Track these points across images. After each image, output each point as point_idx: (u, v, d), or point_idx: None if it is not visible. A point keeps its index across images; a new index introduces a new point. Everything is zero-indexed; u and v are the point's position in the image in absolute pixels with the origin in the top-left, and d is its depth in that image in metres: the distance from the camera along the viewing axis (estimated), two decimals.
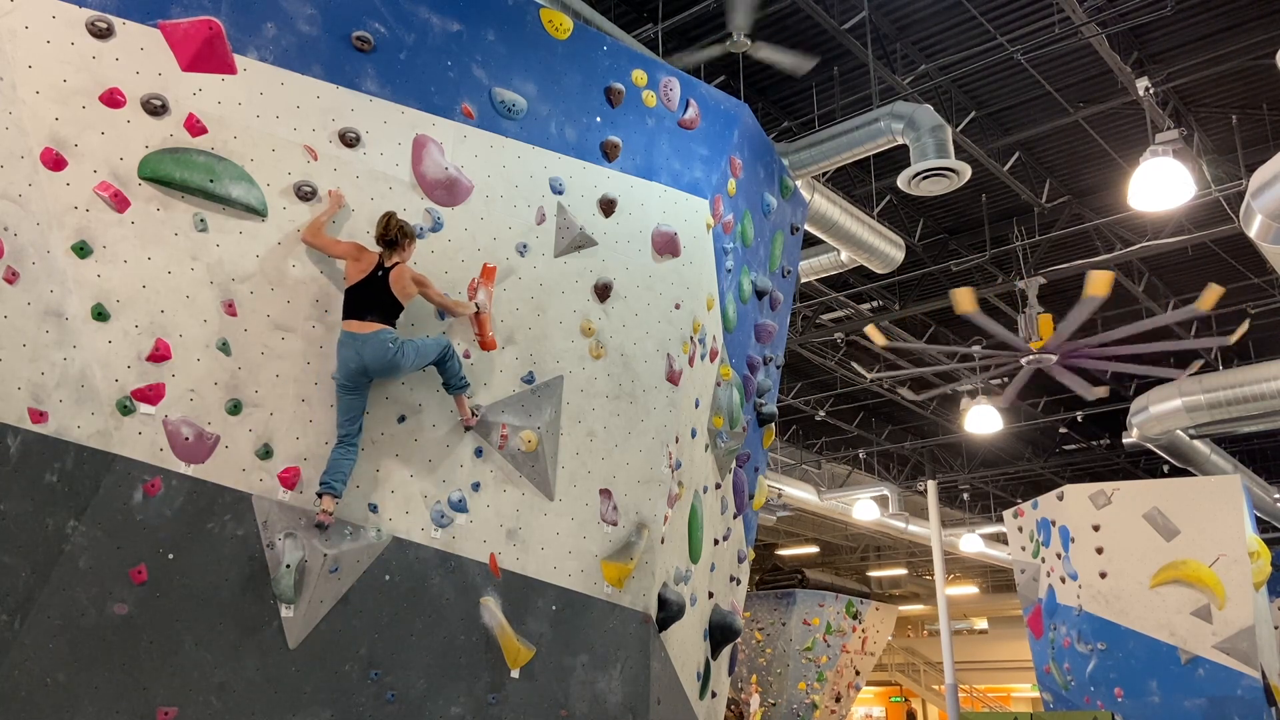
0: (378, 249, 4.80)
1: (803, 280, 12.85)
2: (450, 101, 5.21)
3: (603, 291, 5.59)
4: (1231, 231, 11.35)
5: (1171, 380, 14.07)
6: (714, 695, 6.84)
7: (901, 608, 33.85)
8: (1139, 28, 9.69)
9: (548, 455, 5.34)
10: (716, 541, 6.80)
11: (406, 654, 4.88)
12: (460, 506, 5.09)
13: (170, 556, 4.44)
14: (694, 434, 6.12)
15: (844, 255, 11.72)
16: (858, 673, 26.70)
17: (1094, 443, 21.26)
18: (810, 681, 24.80)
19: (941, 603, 20.11)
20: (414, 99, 5.10)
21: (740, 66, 9.97)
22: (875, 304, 15.47)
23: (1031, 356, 11.95)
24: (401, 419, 5.01)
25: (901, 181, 9.35)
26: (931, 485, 21.15)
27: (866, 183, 12.27)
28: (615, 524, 5.49)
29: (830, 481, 23.35)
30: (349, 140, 4.91)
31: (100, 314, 4.40)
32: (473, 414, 5.13)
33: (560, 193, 5.50)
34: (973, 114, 11.02)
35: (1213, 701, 12.87)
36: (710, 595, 6.72)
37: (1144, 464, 21.76)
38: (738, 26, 9.10)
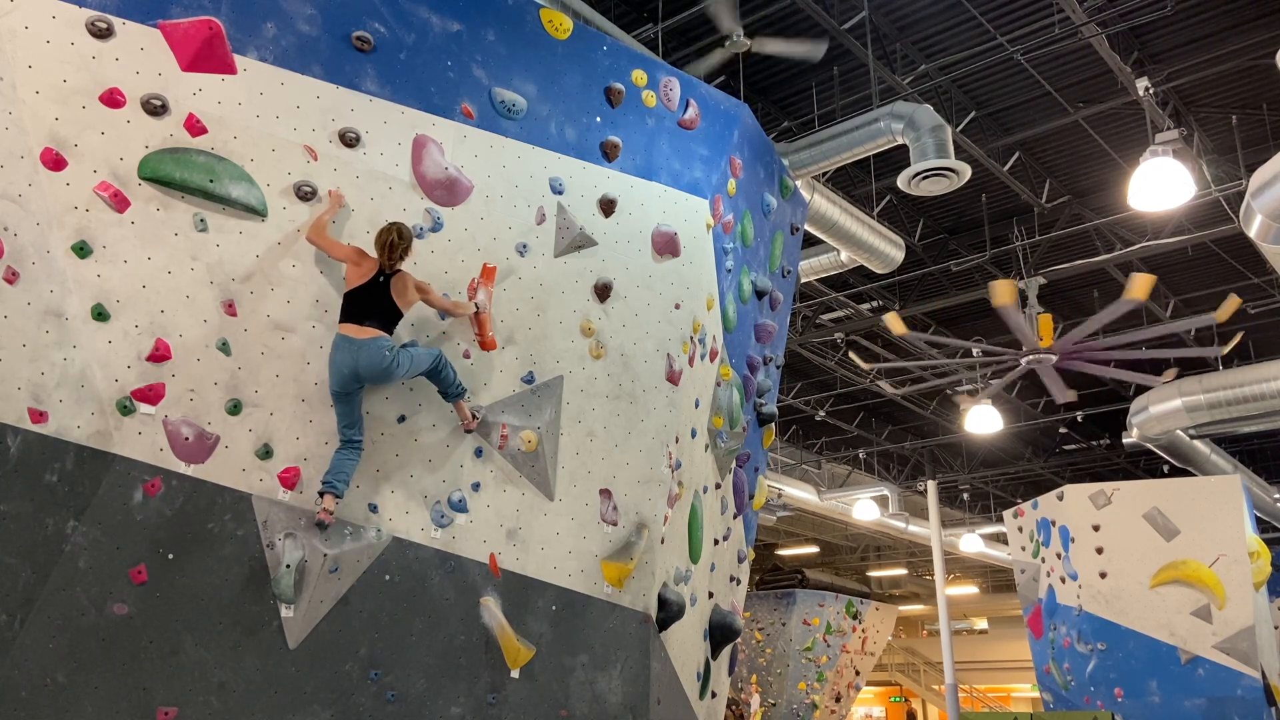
0: (378, 256, 4.77)
1: (803, 280, 12.84)
2: (450, 101, 5.21)
3: (603, 291, 5.59)
4: (1231, 231, 11.35)
5: (1161, 385, 14.03)
6: (714, 695, 6.84)
7: (901, 608, 33.84)
8: (1139, 28, 9.69)
9: (548, 455, 5.34)
10: (716, 541, 6.80)
11: (406, 654, 4.88)
12: (460, 506, 5.09)
13: (170, 556, 4.44)
14: (694, 434, 6.12)
15: (844, 255, 11.71)
16: (858, 673, 26.70)
17: (1094, 443, 21.26)
18: (810, 681, 24.80)
19: (941, 603, 20.11)
20: (414, 99, 5.10)
21: (740, 66, 9.96)
22: (875, 304, 15.47)
23: (1031, 356, 11.94)
24: (401, 419, 5.01)
25: (901, 181, 9.35)
26: (931, 485, 21.15)
27: (866, 183, 12.27)
28: (615, 524, 5.49)
29: (830, 481, 23.34)
30: (349, 140, 4.91)
31: (100, 314, 4.41)
32: (473, 416, 5.12)
33: (560, 193, 5.50)
34: (973, 114, 11.02)
35: (1213, 701, 12.87)
36: (710, 595, 6.72)
37: (1144, 464, 21.76)
38: (728, 29, 9.10)
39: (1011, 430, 19.01)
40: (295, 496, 4.70)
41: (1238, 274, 13.95)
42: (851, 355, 12.07)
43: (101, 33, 4.44)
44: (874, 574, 34.16)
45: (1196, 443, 16.11)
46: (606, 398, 5.55)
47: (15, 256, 4.30)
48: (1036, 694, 17.44)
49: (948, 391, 16.84)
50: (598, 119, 5.69)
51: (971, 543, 24.28)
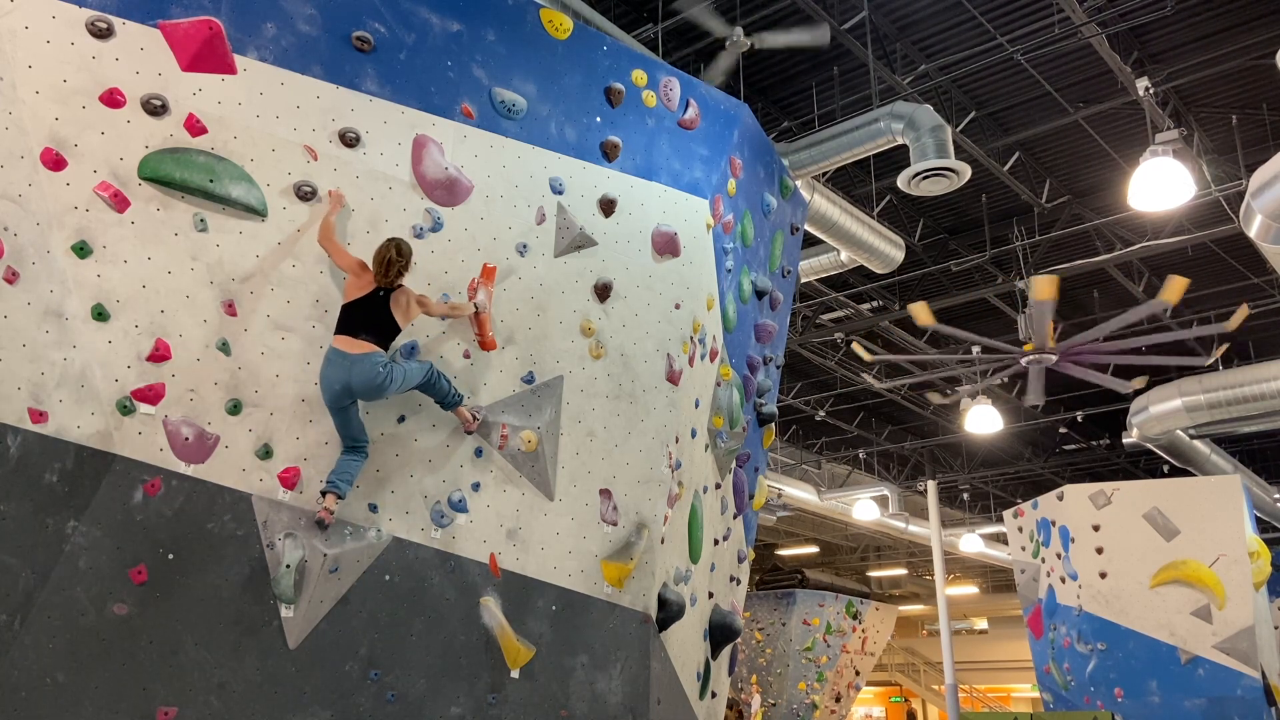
0: (377, 272, 4.73)
1: (803, 280, 12.84)
2: (450, 101, 5.21)
3: (603, 291, 5.59)
4: (1231, 231, 11.35)
5: (1181, 376, 14.02)
6: (714, 695, 6.84)
7: (901, 608, 33.83)
8: (1139, 28, 9.69)
9: (548, 455, 5.34)
10: (716, 541, 6.80)
11: (406, 654, 4.88)
12: (460, 506, 5.09)
13: (170, 556, 4.44)
14: (694, 434, 6.12)
15: (844, 255, 11.71)
16: (858, 673, 26.69)
17: (1094, 443, 21.26)
18: (810, 681, 24.80)
19: (941, 603, 20.11)
20: (414, 99, 5.10)
21: (740, 66, 9.96)
22: (875, 304, 15.47)
23: (1032, 356, 11.94)
24: (401, 419, 5.01)
25: (901, 181, 9.35)
26: (931, 485, 21.14)
27: (866, 183, 12.27)
28: (615, 524, 5.49)
29: (830, 481, 23.34)
30: (349, 140, 4.91)
31: (100, 314, 4.40)
32: (473, 417, 5.12)
33: (560, 193, 5.50)
34: (973, 114, 11.02)
35: (1213, 701, 12.87)
36: (710, 595, 6.72)
37: (1144, 464, 21.76)
38: (721, 32, 9.10)
39: (1011, 430, 19.01)
40: (295, 496, 4.70)
41: (1238, 274, 13.95)
42: (856, 348, 12.02)
43: (101, 33, 4.44)
44: (874, 574, 34.16)
45: (1196, 443, 16.11)
46: (606, 398, 5.55)
47: (15, 256, 4.30)
48: (1036, 694, 17.44)
49: (945, 392, 16.80)
50: (598, 119, 5.69)
51: (971, 543, 24.27)
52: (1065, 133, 11.57)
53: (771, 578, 30.05)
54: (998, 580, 33.64)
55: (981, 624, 38.93)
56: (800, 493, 20.80)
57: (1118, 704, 13.46)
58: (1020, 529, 16.00)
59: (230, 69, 4.66)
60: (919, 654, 37.87)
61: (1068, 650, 14.27)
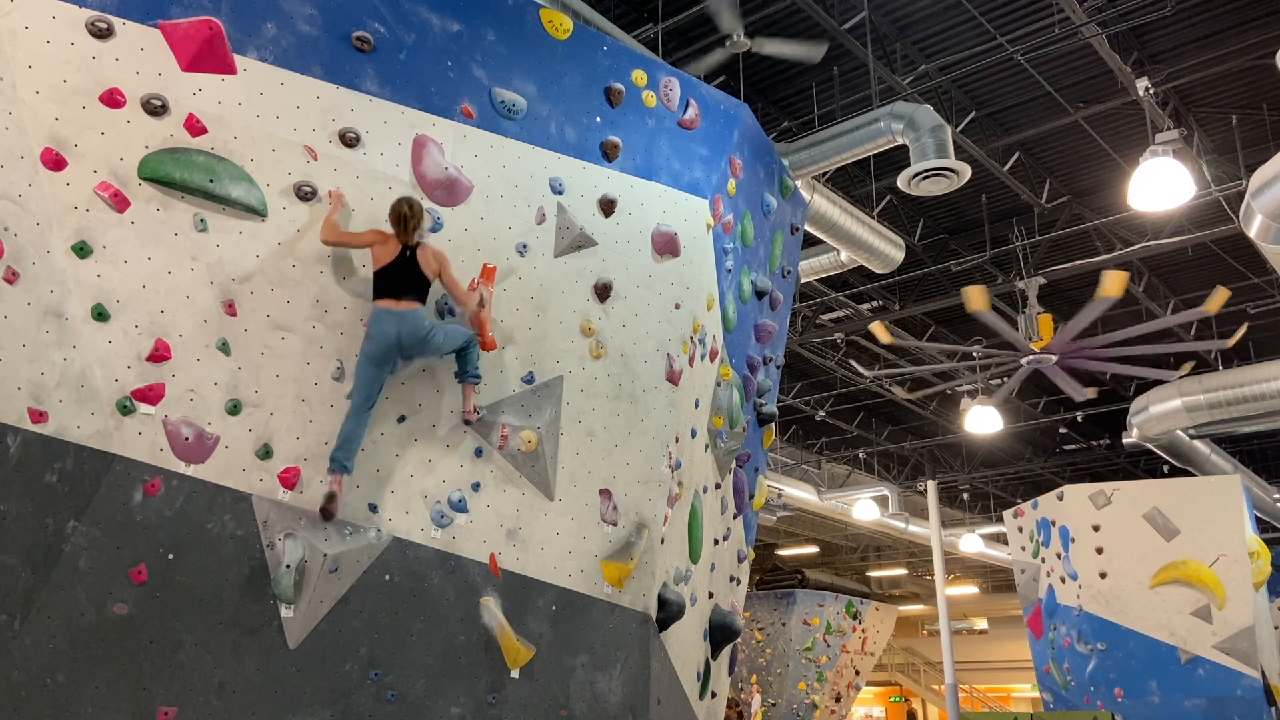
0: (394, 233, 4.83)
1: (803, 280, 12.84)
2: (450, 101, 5.21)
3: (603, 291, 5.59)
4: (1231, 231, 11.35)
5: (1168, 381, 14.06)
6: (714, 695, 6.84)
7: (901, 608, 33.84)
8: (1139, 28, 9.69)
9: (548, 455, 5.34)
10: (716, 541, 6.80)
11: (406, 654, 4.88)
12: (460, 506, 5.09)
13: (170, 556, 4.44)
14: (694, 434, 6.12)
15: (844, 255, 11.71)
16: (858, 673, 26.70)
17: (1094, 443, 21.26)
18: (810, 681, 24.80)
19: (941, 603, 20.11)
20: (414, 99, 5.10)
21: (740, 66, 9.97)
22: (875, 304, 15.47)
23: (1031, 356, 11.95)
24: (401, 419, 5.01)
25: (901, 181, 9.35)
26: (931, 485, 21.15)
27: (866, 183, 12.27)
28: (615, 524, 5.49)
29: (830, 481, 23.34)
30: (349, 140, 4.91)
31: (100, 314, 4.40)
32: (474, 411, 5.13)
33: (560, 193, 5.50)
34: (973, 114, 11.02)
35: (1213, 701, 12.87)
36: (710, 595, 6.72)
37: (1144, 464, 21.76)
38: (729, 28, 9.09)
39: (1011, 430, 19.01)
40: (295, 496, 4.70)
41: (1238, 274, 13.95)
42: (876, 328, 12.04)
43: (101, 33, 4.44)
44: (874, 574, 34.17)
45: (1196, 443, 16.11)
46: (606, 398, 5.55)
47: (15, 256, 4.30)
48: (1036, 694, 17.44)
49: (948, 391, 16.81)
50: (598, 119, 5.69)
51: (971, 543, 24.28)
52: (1065, 133, 11.57)
53: (771, 578, 30.06)
54: (998, 580, 33.65)
55: (981, 624, 38.95)
56: (800, 493, 20.80)
57: (1118, 704, 13.46)
58: (1020, 529, 16.00)
59: (230, 69, 4.66)
60: (919, 654, 37.88)
61: (1068, 650, 14.27)
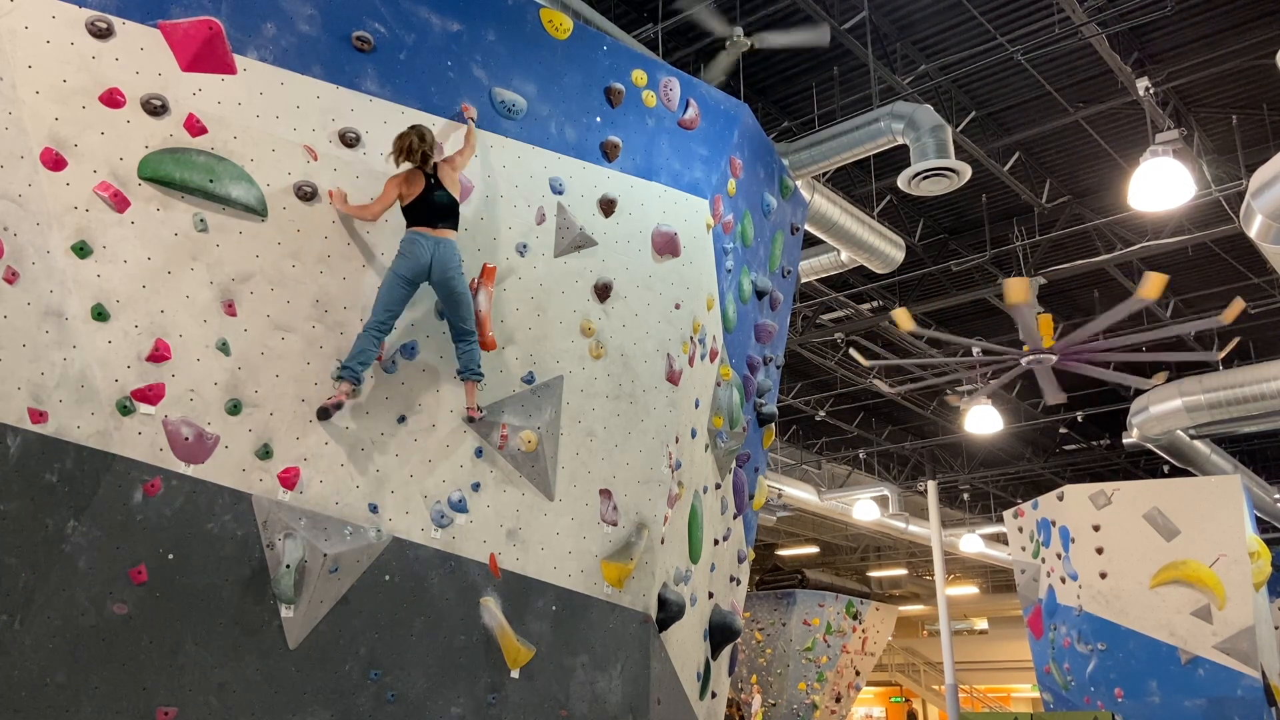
0: (408, 166, 4.87)
1: (803, 280, 12.84)
2: (450, 101, 5.21)
3: (603, 291, 5.59)
4: (1231, 231, 11.35)
5: (1154, 386, 14.02)
6: (714, 695, 6.84)
7: (901, 608, 33.84)
8: (1139, 28, 9.68)
9: (548, 455, 5.34)
10: (716, 541, 6.80)
11: (406, 654, 4.88)
12: (460, 506, 5.09)
13: (170, 556, 4.44)
14: (694, 434, 6.12)
15: (844, 255, 11.71)
16: (858, 673, 26.70)
17: (1094, 443, 21.25)
18: (810, 682, 24.80)
19: (941, 603, 20.11)
20: (414, 99, 5.10)
21: (740, 66, 9.96)
22: (875, 304, 15.47)
23: (1032, 356, 11.94)
24: (401, 419, 5.01)
25: (901, 181, 9.35)
26: (931, 485, 21.14)
27: (866, 183, 12.26)
28: (615, 524, 5.49)
29: (830, 482, 23.34)
30: (349, 140, 4.91)
31: (100, 314, 4.40)
32: (477, 409, 5.12)
33: (560, 193, 5.50)
34: (973, 114, 11.02)
35: (1213, 702, 12.87)
36: (710, 595, 6.72)
37: (1144, 464, 21.76)
38: (722, 32, 9.09)
39: (1011, 430, 19.01)
40: (295, 496, 4.70)
41: (1238, 274, 13.95)
42: (853, 353, 12.03)
43: (101, 33, 4.43)
44: (874, 574, 34.15)
45: (1196, 443, 16.10)
46: (606, 398, 5.55)
47: (15, 256, 4.30)
48: (1036, 694, 17.44)
49: (946, 391, 16.82)
50: (598, 119, 5.69)
51: (971, 543, 24.27)
52: (1065, 133, 11.56)
53: (771, 578, 30.05)
54: (998, 580, 33.64)
55: (981, 624, 38.94)
56: (800, 493, 20.80)
57: (1118, 704, 13.46)
58: (1020, 529, 16.00)
59: (230, 69, 4.66)
60: (919, 654, 37.87)
61: (1068, 650, 14.27)
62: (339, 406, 4.72)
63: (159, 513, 4.44)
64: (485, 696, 5.04)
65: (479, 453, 5.19)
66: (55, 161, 4.35)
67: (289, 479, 4.69)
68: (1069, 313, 15.36)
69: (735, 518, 7.22)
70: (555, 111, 5.54)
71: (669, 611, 5.70)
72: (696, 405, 6.13)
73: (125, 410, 4.41)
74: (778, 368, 7.79)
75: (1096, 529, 13.88)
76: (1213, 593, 13.01)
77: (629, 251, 5.73)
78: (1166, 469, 19.09)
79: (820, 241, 11.43)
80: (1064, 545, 14.36)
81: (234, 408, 4.63)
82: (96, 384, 4.37)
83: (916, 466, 23.67)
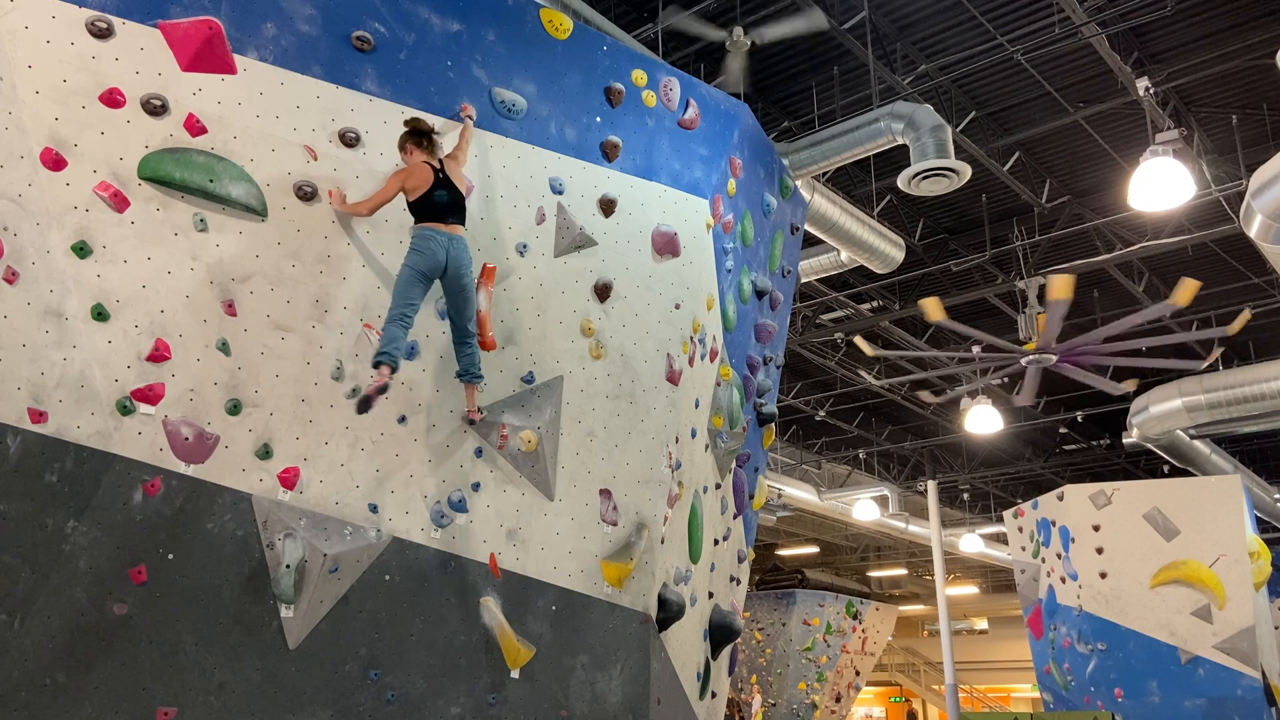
0: (421, 157, 4.85)
1: (803, 280, 12.84)
2: (450, 101, 5.21)
3: (603, 291, 5.59)
4: (1231, 231, 11.35)
5: (1182, 376, 14.03)
6: (714, 695, 6.84)
7: (901, 608, 33.84)
8: (1139, 28, 9.69)
9: (548, 455, 5.33)
10: (716, 541, 6.80)
11: (406, 654, 4.88)
12: (460, 506, 5.09)
13: (170, 556, 4.44)
14: (694, 434, 6.12)
15: (844, 255, 11.71)
16: (858, 673, 26.70)
17: (1094, 443, 21.26)
18: (810, 682, 24.80)
19: (941, 603, 20.11)
20: (414, 99, 5.10)
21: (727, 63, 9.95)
22: (875, 304, 15.47)
23: (1032, 356, 11.94)
24: (402, 419, 5.01)
25: (901, 181, 9.35)
26: (931, 485, 21.15)
27: (866, 183, 12.27)
28: (615, 524, 5.49)
29: (830, 481, 23.34)
30: (349, 140, 4.91)
31: (100, 314, 4.40)
32: (478, 410, 5.12)
33: (560, 193, 5.50)
34: (973, 114, 11.02)
35: (1213, 702, 12.87)
36: (710, 595, 6.72)
37: (1144, 464, 21.76)
38: (716, 36, 9.09)
39: (1011, 430, 19.01)
40: (295, 496, 4.70)
41: (1238, 274, 13.95)
42: (858, 340, 12.00)
43: (101, 33, 4.43)
44: (874, 574, 34.16)
45: (1196, 443, 16.11)
46: (606, 398, 5.55)
47: (15, 256, 4.30)
48: (1036, 694, 17.44)
49: (935, 390, 16.80)
50: (598, 119, 5.69)
51: (971, 543, 24.27)
52: (1065, 133, 11.56)
53: (771, 578, 30.05)
54: (998, 580, 33.64)
55: (981, 624, 38.95)
56: (800, 493, 20.80)
57: (1118, 704, 13.46)
58: (1020, 529, 16.00)
59: (230, 69, 4.66)
60: (919, 654, 37.87)
61: (1068, 650, 14.27)
62: (383, 390, 4.60)
63: (159, 513, 4.44)
64: (485, 696, 5.04)
65: (479, 453, 5.19)
66: (55, 161, 4.35)
67: (289, 479, 4.70)
68: (1069, 313, 15.31)
69: (735, 518, 7.22)
70: (555, 111, 5.54)
71: (669, 611, 5.70)
72: (696, 405, 6.13)
73: (125, 410, 4.41)
74: (778, 368, 7.79)
75: (1096, 529, 13.88)
76: (1213, 593, 13.02)
77: (629, 251, 5.73)
78: (1166, 469, 19.08)
79: (820, 241, 11.43)
80: (1064, 545, 14.36)
81: (234, 408, 4.63)
82: (96, 384, 4.37)
83: (916, 466, 23.67)
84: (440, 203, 4.84)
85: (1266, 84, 10.56)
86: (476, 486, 5.16)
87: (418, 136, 4.84)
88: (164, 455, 4.47)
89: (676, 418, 5.77)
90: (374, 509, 4.89)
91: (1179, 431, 15.23)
